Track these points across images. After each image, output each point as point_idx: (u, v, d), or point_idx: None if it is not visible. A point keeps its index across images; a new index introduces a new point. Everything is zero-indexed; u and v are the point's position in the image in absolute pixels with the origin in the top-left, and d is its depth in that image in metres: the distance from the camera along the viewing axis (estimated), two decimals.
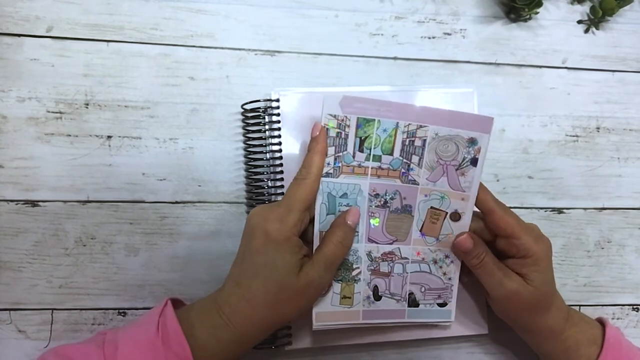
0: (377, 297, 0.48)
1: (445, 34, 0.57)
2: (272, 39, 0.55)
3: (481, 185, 0.48)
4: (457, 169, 0.46)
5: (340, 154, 0.46)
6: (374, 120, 0.46)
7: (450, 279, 0.49)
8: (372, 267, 0.48)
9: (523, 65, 0.58)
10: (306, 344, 0.51)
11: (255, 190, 0.52)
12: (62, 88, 0.52)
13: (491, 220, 0.47)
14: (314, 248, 0.45)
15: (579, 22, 0.60)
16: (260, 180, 0.51)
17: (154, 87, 0.53)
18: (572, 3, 0.60)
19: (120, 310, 0.51)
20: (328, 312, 0.47)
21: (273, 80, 0.54)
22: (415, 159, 0.47)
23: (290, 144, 0.51)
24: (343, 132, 0.45)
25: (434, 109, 0.46)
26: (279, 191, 0.51)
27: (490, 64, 0.58)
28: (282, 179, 0.51)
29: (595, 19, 0.59)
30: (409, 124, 0.46)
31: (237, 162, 0.53)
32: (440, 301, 0.49)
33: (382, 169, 0.47)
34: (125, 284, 0.51)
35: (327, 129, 0.45)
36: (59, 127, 0.52)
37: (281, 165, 0.51)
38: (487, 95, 0.57)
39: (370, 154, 0.46)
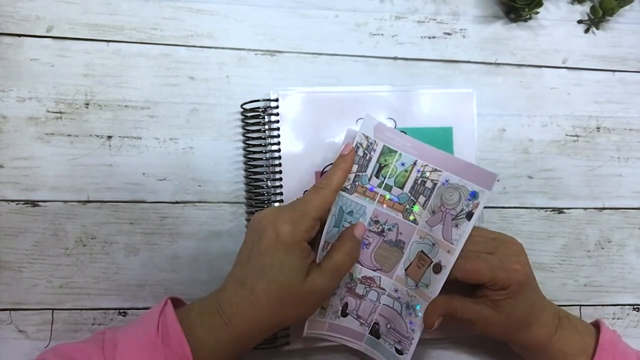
0: (344, 313, 0.50)
1: (445, 33, 0.57)
2: (272, 39, 0.55)
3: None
4: (453, 219, 0.47)
5: (360, 173, 0.48)
6: (397, 152, 0.48)
7: (413, 330, 0.48)
8: (349, 286, 0.49)
9: (523, 65, 0.58)
10: (305, 344, 0.51)
11: (255, 190, 0.52)
12: (62, 88, 0.52)
13: (463, 277, 0.46)
14: (317, 257, 0.46)
15: (579, 22, 0.60)
16: (259, 180, 0.51)
17: (154, 87, 0.53)
18: (572, 3, 0.60)
19: (120, 310, 0.51)
20: (312, 319, 0.48)
21: (273, 80, 0.54)
22: (421, 199, 0.48)
23: (289, 144, 0.51)
24: (368, 155, 0.48)
25: (452, 156, 0.49)
26: (277, 191, 0.51)
27: (490, 63, 0.58)
28: (280, 179, 0.51)
29: (596, 19, 0.59)
30: (426, 165, 0.48)
31: (237, 162, 0.53)
32: (399, 347, 0.49)
33: (390, 199, 0.48)
34: (125, 284, 0.51)
35: (357, 147, 0.47)
36: (59, 127, 0.52)
37: (280, 165, 0.51)
38: (487, 95, 0.57)
39: (383, 182, 0.48)
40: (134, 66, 0.53)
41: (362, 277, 0.49)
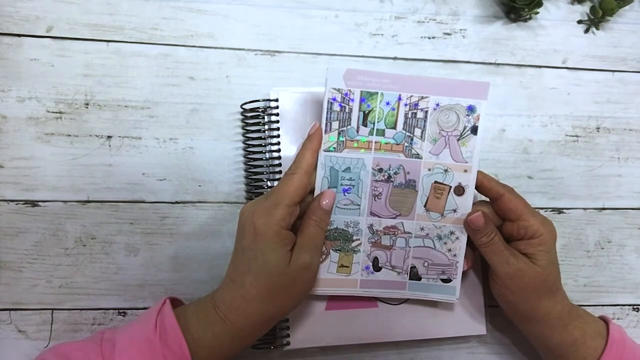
0: (377, 268, 0.49)
1: (445, 34, 0.57)
2: (272, 39, 0.55)
3: (483, 173, 0.48)
4: (458, 139, 0.47)
5: (344, 128, 0.47)
6: (377, 93, 0.46)
7: (455, 255, 0.49)
8: (373, 240, 0.49)
9: (523, 65, 0.58)
10: (305, 344, 0.51)
11: (255, 191, 0.51)
12: (62, 88, 0.52)
13: (500, 203, 0.47)
14: None
15: (579, 22, 0.60)
16: (259, 180, 0.51)
17: (154, 87, 0.53)
18: (572, 3, 0.60)
19: (120, 310, 0.51)
20: (324, 278, 0.48)
21: (273, 80, 0.54)
22: (417, 131, 0.47)
23: (289, 144, 0.51)
24: (347, 107, 0.46)
25: (433, 78, 0.47)
26: None
27: (490, 64, 0.58)
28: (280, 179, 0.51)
29: (595, 19, 0.59)
30: (411, 96, 0.47)
31: (237, 162, 0.53)
32: (445, 277, 0.49)
33: (386, 143, 0.47)
34: (125, 284, 0.51)
35: (330, 103, 0.46)
36: (59, 127, 0.52)
37: (280, 165, 0.51)
38: None
39: (373, 128, 0.47)
40: (134, 66, 0.53)
41: (384, 228, 0.48)
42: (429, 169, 0.48)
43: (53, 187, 0.51)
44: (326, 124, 0.46)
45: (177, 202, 0.52)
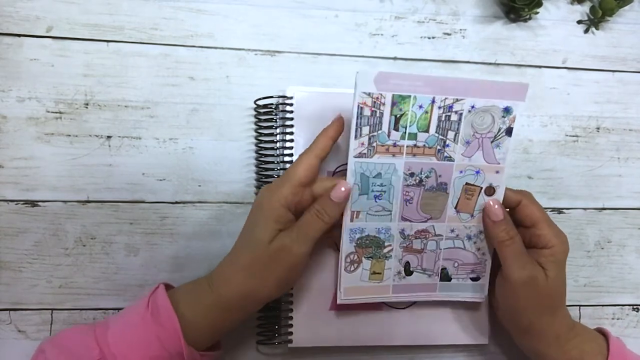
0: (409, 272, 0.49)
1: (445, 34, 0.57)
2: (272, 39, 0.55)
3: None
4: (492, 141, 0.46)
5: (375, 133, 0.45)
6: (410, 96, 0.44)
7: (484, 254, 0.49)
8: (405, 245, 0.49)
9: (523, 65, 0.58)
10: (308, 343, 0.51)
11: None
12: (62, 88, 0.52)
13: (518, 210, 0.48)
14: (344, 226, 0.47)
15: (579, 22, 0.60)
16: (269, 176, 0.51)
17: (154, 87, 0.53)
18: (572, 3, 0.60)
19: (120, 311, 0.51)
20: (357, 287, 0.48)
21: (273, 80, 0.54)
22: (451, 134, 0.46)
23: (302, 143, 0.51)
24: (378, 111, 0.44)
25: (469, 79, 0.45)
26: None
27: (490, 64, 0.58)
28: None
29: (595, 19, 0.59)
30: (445, 99, 0.45)
31: (237, 162, 0.53)
32: (474, 275, 0.50)
33: (418, 147, 0.46)
34: (125, 284, 0.51)
35: (360, 108, 0.44)
36: (59, 127, 0.52)
37: (292, 162, 0.51)
38: None
39: (405, 132, 0.45)
40: (134, 66, 0.53)
41: (415, 232, 0.48)
42: (461, 171, 0.47)
43: (53, 187, 0.51)
44: (356, 129, 0.44)
45: (177, 202, 0.52)
